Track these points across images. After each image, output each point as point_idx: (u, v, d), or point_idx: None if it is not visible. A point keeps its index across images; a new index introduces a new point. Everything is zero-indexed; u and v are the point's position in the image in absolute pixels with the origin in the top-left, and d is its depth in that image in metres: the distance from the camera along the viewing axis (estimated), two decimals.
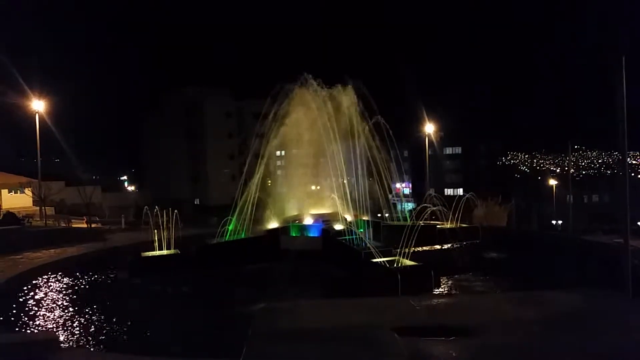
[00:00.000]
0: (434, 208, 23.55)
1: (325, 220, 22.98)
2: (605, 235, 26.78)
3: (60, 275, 20.77)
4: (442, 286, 18.07)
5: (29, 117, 44.12)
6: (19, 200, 55.93)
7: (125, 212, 49.15)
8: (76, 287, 19.20)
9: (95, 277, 20.97)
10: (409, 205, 46.28)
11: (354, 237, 20.60)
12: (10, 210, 46.33)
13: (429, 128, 53.12)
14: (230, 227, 22.96)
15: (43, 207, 45.99)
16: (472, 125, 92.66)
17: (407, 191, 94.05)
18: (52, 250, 26.21)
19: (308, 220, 23.49)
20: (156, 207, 22.37)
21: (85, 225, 41.49)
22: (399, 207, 33.34)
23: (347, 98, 25.20)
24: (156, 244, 21.80)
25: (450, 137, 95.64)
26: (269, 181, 26.80)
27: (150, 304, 16.93)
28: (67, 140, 70.91)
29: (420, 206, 23.84)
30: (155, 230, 21.81)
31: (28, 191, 51.76)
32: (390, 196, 28.81)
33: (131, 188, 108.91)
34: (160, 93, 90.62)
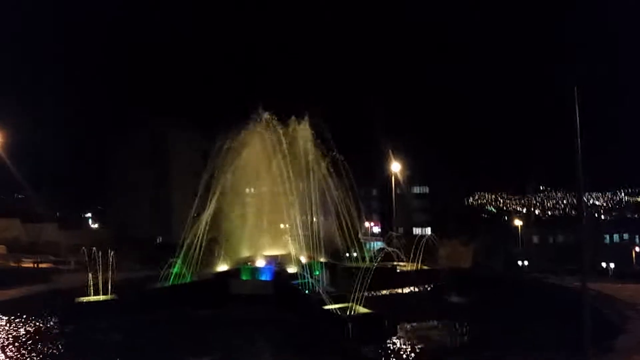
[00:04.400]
0: (390, 249, 22.51)
1: (278, 263, 21.71)
2: (571, 276, 26.28)
3: None
4: (399, 335, 16.92)
5: None
6: None
7: (81, 251, 46.90)
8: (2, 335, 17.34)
9: (27, 324, 19.16)
10: (378, 244, 45.46)
11: (306, 281, 19.37)
12: None
13: (396, 167, 52.57)
14: (175, 270, 21.44)
15: None
16: (439, 165, 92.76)
17: (376, 230, 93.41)
18: None
19: (260, 263, 22.16)
20: (93, 248, 20.78)
21: (32, 266, 39.28)
22: (367, 246, 32.39)
23: (304, 134, 24.28)
24: (91, 288, 20.13)
25: (417, 176, 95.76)
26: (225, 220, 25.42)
27: (76, 354, 15.45)
28: (28, 176, 68.34)
29: (378, 248, 22.87)
30: (90, 274, 20.18)
31: None
32: (360, 235, 27.74)
33: (95, 225, 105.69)
34: (125, 128, 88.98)
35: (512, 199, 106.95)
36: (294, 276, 20.22)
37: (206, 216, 22.70)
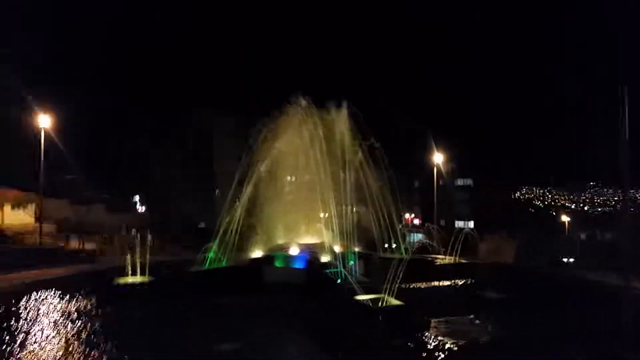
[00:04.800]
0: (425, 242, 22.05)
1: (312, 251, 21.58)
2: (617, 274, 25.18)
3: (26, 300, 19.40)
4: (430, 329, 16.56)
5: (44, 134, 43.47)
6: (20, 218, 55.14)
7: (122, 232, 48.07)
8: (35, 316, 17.81)
9: (63, 304, 19.64)
10: (419, 237, 44.85)
11: (338, 270, 19.19)
12: (10, 227, 45.69)
13: (439, 158, 51.64)
14: (210, 255, 21.61)
15: (39, 225, 45.04)
16: (485, 158, 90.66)
17: (417, 222, 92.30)
18: (33, 272, 24.94)
19: (294, 250, 22.09)
20: (133, 230, 21.14)
21: (78, 246, 40.47)
22: (408, 238, 31.98)
23: (341, 122, 23.96)
24: (129, 269, 20.49)
25: (461, 169, 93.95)
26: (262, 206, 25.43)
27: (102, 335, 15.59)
28: (80, 159, 70.49)
29: (418, 240, 22.44)
30: (128, 256, 20.53)
31: (30, 208, 51.10)
32: (400, 226, 27.33)
33: (142, 209, 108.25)
34: (169, 115, 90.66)
35: (561, 194, 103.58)
36: (326, 265, 20.07)
37: (243, 202, 22.74)
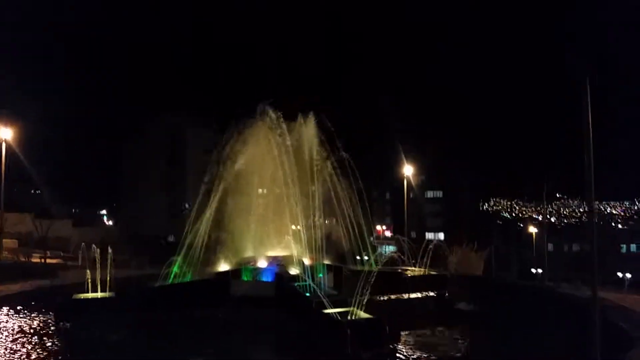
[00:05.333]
0: (394, 254, 21.86)
1: (280, 264, 21.16)
2: (585, 285, 25.49)
3: None
4: (400, 342, 16.33)
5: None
6: None
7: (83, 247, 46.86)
8: None
9: (22, 319, 19.12)
10: (390, 248, 44.79)
11: (307, 283, 18.80)
12: None
13: (409, 170, 51.74)
14: (174, 269, 21.00)
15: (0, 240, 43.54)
16: (455, 169, 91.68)
17: (388, 233, 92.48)
18: None
19: (262, 263, 21.62)
20: (93, 245, 20.50)
21: (39, 261, 39.26)
22: (380, 250, 31.83)
23: (310, 132, 23.71)
24: (89, 285, 19.82)
25: (431, 181, 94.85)
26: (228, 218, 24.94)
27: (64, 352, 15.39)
28: (44, 172, 68.78)
29: (390, 251, 22.21)
30: (88, 271, 19.86)
31: None
32: (371, 238, 27.08)
33: (110, 222, 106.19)
34: (139, 122, 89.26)
35: (528, 206, 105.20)
36: (295, 278, 19.67)
37: (207, 214, 22.23)
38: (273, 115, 23.28)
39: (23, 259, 40.79)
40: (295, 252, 21.24)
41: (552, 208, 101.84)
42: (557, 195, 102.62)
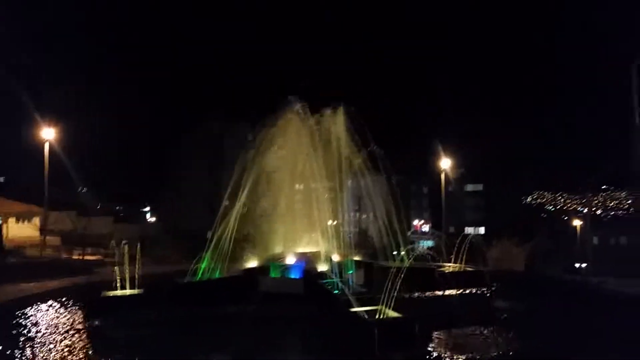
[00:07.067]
0: (425, 249, 21.04)
1: (309, 261, 20.67)
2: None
3: (16, 312, 19.02)
4: (432, 342, 15.58)
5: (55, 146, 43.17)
6: (26, 230, 54.91)
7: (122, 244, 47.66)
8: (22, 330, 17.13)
9: (52, 317, 19.21)
10: (428, 243, 43.78)
11: (336, 280, 18.24)
12: (14, 240, 45.67)
13: (446, 164, 50.38)
14: (202, 265, 20.78)
15: (43, 237, 44.74)
16: (496, 163, 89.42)
17: (426, 228, 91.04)
18: (32, 284, 24.83)
19: (290, 260, 21.18)
20: (123, 241, 20.48)
21: (79, 258, 40.09)
22: (417, 245, 31.05)
23: (338, 126, 23.07)
24: (118, 282, 19.82)
25: (471, 174, 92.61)
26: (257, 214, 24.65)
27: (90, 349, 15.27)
28: (90, 171, 70.63)
29: (426, 247, 21.42)
30: (117, 268, 19.85)
31: (35, 221, 50.99)
32: (408, 233, 26.37)
33: (152, 219, 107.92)
34: (181, 125, 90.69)
35: (573, 198, 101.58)
36: (323, 275, 19.17)
37: (236, 210, 21.94)
38: (302, 110, 22.81)
39: (65, 256, 41.80)
40: (324, 249, 20.68)
41: (598, 200, 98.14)
42: (603, 187, 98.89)
